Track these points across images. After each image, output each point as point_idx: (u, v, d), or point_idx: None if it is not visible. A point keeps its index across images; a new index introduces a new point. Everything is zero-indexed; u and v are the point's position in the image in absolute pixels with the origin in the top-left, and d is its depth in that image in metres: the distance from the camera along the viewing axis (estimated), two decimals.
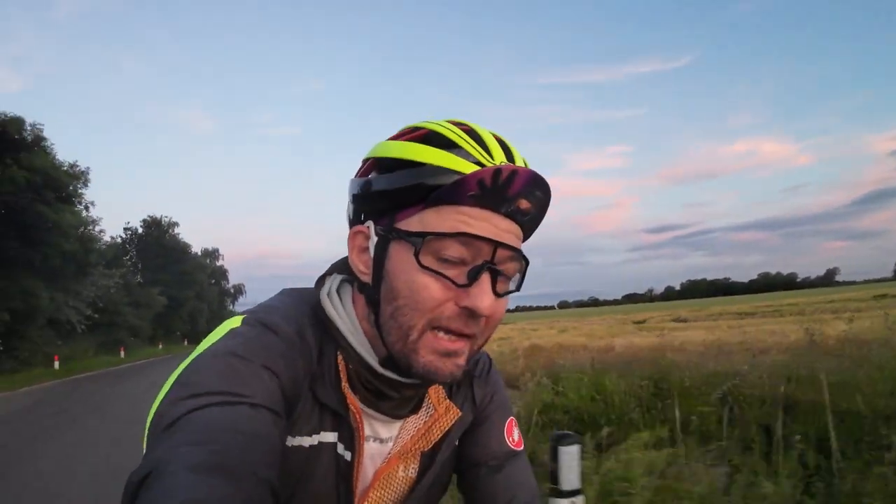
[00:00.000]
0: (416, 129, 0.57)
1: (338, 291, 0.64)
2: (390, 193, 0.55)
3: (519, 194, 0.53)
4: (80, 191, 19.73)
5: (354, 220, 0.60)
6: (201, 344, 0.55)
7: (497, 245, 0.53)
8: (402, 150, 0.55)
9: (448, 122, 0.58)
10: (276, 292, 0.66)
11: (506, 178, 0.51)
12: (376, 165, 0.58)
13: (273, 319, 0.57)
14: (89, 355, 21.79)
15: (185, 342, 41.36)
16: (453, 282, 0.52)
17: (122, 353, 25.06)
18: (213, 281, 56.27)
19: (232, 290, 62.02)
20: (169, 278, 40.47)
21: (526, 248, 0.58)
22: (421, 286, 0.53)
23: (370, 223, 0.58)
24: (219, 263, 58.32)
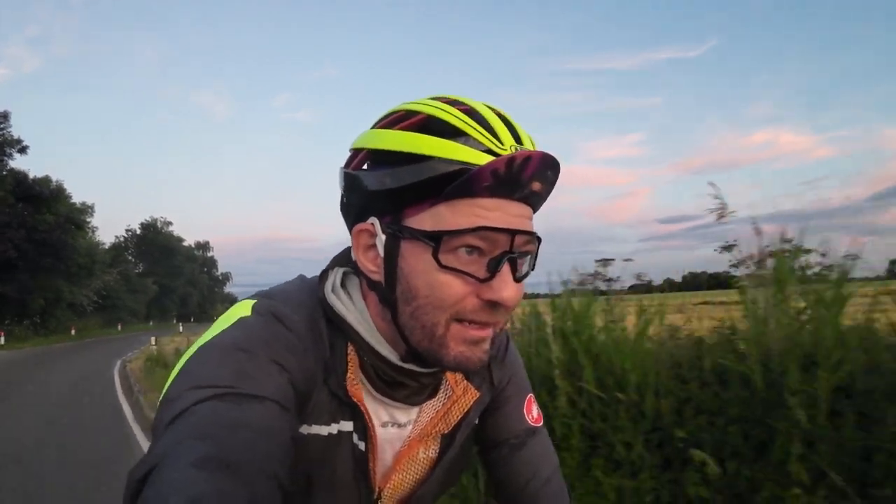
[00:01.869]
0: (409, 112, 0.53)
1: (343, 285, 0.61)
2: (396, 191, 0.51)
3: (532, 178, 0.50)
4: (87, 219, 30.09)
5: (355, 217, 0.57)
6: (210, 329, 0.54)
7: (515, 233, 0.51)
8: (403, 142, 0.51)
9: (440, 100, 0.54)
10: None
11: (519, 166, 0.49)
12: (371, 157, 0.55)
13: (284, 310, 0.55)
14: (96, 328, 32.42)
15: (175, 321, 51.86)
16: (475, 277, 0.50)
17: (119, 327, 35.62)
18: (205, 269, 66.84)
19: (221, 277, 72.67)
20: (162, 270, 51.02)
21: (541, 235, 0.55)
22: (443, 284, 0.51)
23: (374, 220, 0.54)
24: (209, 254, 68.98)
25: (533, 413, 0.73)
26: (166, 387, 0.49)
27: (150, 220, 54.48)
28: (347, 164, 0.58)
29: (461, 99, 0.54)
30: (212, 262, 69.07)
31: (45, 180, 26.94)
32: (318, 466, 0.58)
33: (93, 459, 4.68)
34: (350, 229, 0.58)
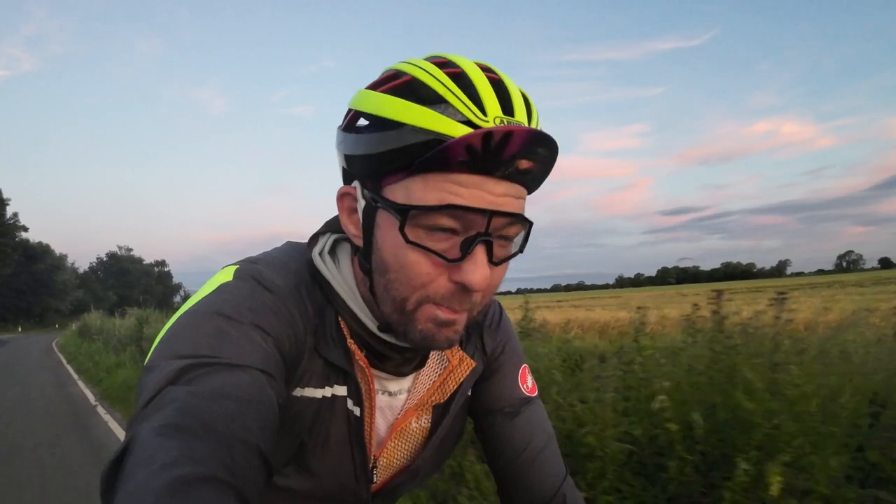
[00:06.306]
0: (398, 73, 0.50)
1: (333, 251, 0.61)
2: (372, 157, 0.48)
3: (516, 155, 0.46)
4: (65, 261, 54.53)
5: (343, 178, 0.56)
6: (191, 298, 0.53)
7: (491, 214, 0.47)
8: (380, 106, 0.48)
9: (432, 60, 0.51)
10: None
11: (499, 142, 0.44)
12: (356, 119, 0.52)
13: (267, 274, 0.53)
14: (71, 323, 56.24)
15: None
16: (443, 257, 0.48)
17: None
18: (161, 282, 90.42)
19: (174, 287, 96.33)
20: (121, 284, 74.79)
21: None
22: (411, 262, 0.48)
23: (357, 184, 0.53)
24: (166, 269, 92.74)
25: (528, 383, 0.71)
26: (149, 354, 0.47)
27: (116, 248, 79.22)
28: (342, 125, 0.55)
29: (456, 59, 0.51)
30: (167, 276, 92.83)
31: (39, 244, 51.27)
32: (311, 430, 0.57)
33: (39, 349, 27.67)
34: None
